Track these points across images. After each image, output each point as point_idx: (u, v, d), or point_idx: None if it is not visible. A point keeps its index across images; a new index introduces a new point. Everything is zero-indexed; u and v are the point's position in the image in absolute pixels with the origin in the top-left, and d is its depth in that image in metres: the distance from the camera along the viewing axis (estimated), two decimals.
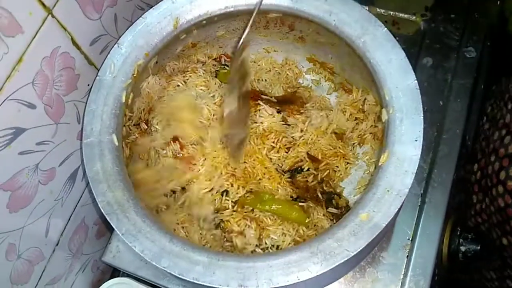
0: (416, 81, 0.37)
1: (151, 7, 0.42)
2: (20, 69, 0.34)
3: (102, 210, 0.35)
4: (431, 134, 0.54)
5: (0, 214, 0.36)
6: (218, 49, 0.53)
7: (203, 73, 0.51)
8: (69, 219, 0.47)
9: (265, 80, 0.53)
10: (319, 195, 0.42)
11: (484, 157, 0.53)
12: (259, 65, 0.52)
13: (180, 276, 0.31)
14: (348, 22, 0.40)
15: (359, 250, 0.32)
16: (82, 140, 0.38)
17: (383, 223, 0.32)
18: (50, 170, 0.41)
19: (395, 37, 0.57)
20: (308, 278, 0.31)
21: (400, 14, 0.62)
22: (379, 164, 0.35)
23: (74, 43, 0.40)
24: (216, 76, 0.50)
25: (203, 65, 0.52)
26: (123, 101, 0.40)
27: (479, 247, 0.51)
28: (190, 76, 0.49)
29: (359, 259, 0.42)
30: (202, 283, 0.31)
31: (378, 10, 0.62)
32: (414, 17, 0.61)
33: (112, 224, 0.34)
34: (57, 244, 0.46)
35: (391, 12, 0.62)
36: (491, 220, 0.51)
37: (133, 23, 0.42)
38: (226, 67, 0.52)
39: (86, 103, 0.40)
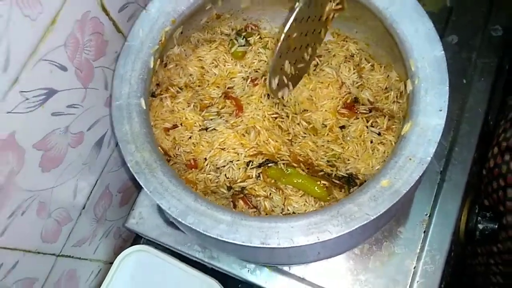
0: (443, 52, 0.37)
1: None
2: (53, 30, 0.35)
3: (131, 169, 0.36)
4: (453, 112, 0.54)
5: (33, 172, 0.37)
6: (242, 22, 0.53)
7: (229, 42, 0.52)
8: (95, 184, 0.49)
9: None
10: (337, 181, 0.43)
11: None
12: None
13: (204, 233, 0.33)
14: None
15: (379, 214, 0.32)
16: (111, 102, 0.39)
17: (404, 190, 0.33)
18: (79, 133, 0.42)
19: None
20: (328, 238, 0.32)
21: None
22: (402, 133, 0.36)
23: (103, 8, 0.41)
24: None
25: (227, 35, 0.53)
26: (151, 66, 0.41)
27: (496, 226, 0.51)
28: (217, 47, 0.50)
29: (377, 226, 0.43)
30: (226, 240, 0.32)
31: None
32: None
33: (140, 182, 0.35)
34: (83, 208, 0.48)
35: None
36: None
37: None
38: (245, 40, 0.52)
39: (114, 68, 0.41)
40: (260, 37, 0.52)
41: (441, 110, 0.35)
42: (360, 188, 0.34)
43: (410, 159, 0.34)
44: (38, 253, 0.42)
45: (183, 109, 0.47)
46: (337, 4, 0.41)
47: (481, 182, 0.56)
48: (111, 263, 0.53)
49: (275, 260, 0.43)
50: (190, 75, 0.50)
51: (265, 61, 0.52)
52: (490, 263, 0.56)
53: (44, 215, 0.41)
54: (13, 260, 0.38)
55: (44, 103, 0.36)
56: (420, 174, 0.33)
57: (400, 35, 0.38)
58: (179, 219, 0.33)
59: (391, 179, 0.33)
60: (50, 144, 0.38)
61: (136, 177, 0.35)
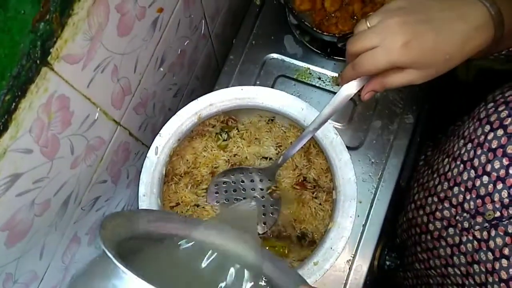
0: (354, 176, 0.58)
1: (181, 109, 0.61)
2: (103, 163, 0.53)
3: None
4: (374, 182, 0.76)
5: None
6: (225, 115, 0.72)
7: (215, 135, 0.71)
8: (62, 238, 0.51)
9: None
10: (295, 239, 0.65)
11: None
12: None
13: None
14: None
15: (312, 283, 0.54)
16: (139, 201, 0.58)
17: (327, 268, 0.54)
18: (45, 201, 0.44)
19: (356, 102, 0.78)
20: None
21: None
22: (328, 227, 0.57)
23: (130, 134, 0.59)
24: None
25: (213, 127, 0.72)
26: (164, 173, 0.60)
27: (398, 262, 0.74)
28: (206, 139, 0.69)
29: None
30: None
31: None
32: None
33: None
34: (50, 263, 0.50)
35: None
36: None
37: (171, 117, 0.61)
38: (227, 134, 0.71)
39: (140, 176, 0.59)
40: (238, 131, 0.71)
41: (351, 217, 0.56)
42: (300, 265, 0.56)
43: (331, 248, 0.55)
44: None
45: (184, 190, 0.66)
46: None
47: (395, 229, 0.79)
48: None
49: None
50: (187, 160, 0.69)
51: (241, 147, 0.71)
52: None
53: (10, 285, 0.43)
54: None
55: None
56: (336, 258, 0.55)
57: (330, 159, 0.59)
58: None
59: (319, 260, 0.55)
60: (15, 222, 0.39)
61: None
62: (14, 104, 0.33)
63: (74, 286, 0.38)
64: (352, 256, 0.73)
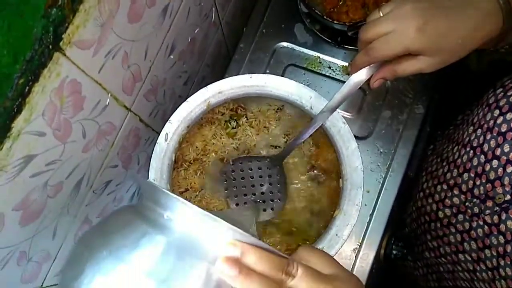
0: (361, 165, 0.58)
1: (191, 96, 0.62)
2: (113, 149, 0.54)
3: None
4: (383, 171, 0.76)
5: (12, 229, 0.40)
6: (234, 103, 0.73)
7: (224, 123, 0.71)
8: (74, 220, 0.52)
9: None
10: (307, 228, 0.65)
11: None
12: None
13: None
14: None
15: None
16: None
17: (332, 254, 0.55)
18: (58, 184, 0.45)
19: (365, 92, 0.78)
20: None
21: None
22: (334, 215, 0.57)
23: (141, 120, 0.60)
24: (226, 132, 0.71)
25: (222, 115, 0.72)
26: (173, 159, 0.61)
27: (405, 251, 0.75)
28: (216, 127, 0.70)
29: None
30: None
31: None
32: None
33: None
34: (62, 244, 0.51)
35: None
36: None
37: (181, 104, 0.61)
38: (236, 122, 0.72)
39: (150, 161, 0.60)
40: (247, 119, 0.72)
41: (357, 205, 0.56)
42: None
43: (336, 235, 0.56)
44: None
45: (193, 176, 0.67)
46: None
47: (403, 219, 0.79)
48: None
49: None
50: (196, 147, 0.70)
51: (250, 135, 0.72)
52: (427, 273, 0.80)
53: (24, 262, 0.44)
54: None
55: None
56: (341, 245, 0.55)
57: (337, 147, 0.59)
58: None
59: (324, 247, 0.56)
60: (29, 203, 0.41)
61: None
62: (27, 87, 0.35)
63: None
64: (359, 244, 0.74)
